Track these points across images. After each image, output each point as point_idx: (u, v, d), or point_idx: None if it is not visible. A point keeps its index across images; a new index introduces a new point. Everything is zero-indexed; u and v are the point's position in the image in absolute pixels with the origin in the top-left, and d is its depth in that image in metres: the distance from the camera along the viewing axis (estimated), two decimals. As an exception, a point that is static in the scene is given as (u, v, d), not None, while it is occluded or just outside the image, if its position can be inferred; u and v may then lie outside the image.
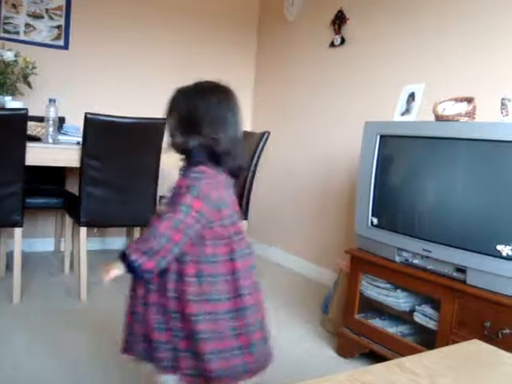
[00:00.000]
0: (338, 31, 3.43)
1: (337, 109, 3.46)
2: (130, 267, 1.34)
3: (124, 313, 1.48)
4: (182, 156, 1.46)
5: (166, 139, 1.52)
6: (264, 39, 4.37)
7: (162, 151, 2.88)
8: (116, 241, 4.00)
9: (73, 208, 2.93)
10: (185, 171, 1.43)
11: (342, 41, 3.40)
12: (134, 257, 1.32)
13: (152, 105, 3.87)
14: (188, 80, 4.30)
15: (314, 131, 3.68)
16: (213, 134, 1.38)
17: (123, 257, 1.34)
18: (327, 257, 3.42)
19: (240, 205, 3.49)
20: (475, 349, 1.22)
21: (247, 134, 3.86)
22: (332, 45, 3.49)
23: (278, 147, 3.99)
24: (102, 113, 2.70)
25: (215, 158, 1.39)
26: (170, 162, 3.01)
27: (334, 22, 3.45)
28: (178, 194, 1.37)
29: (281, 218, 4.01)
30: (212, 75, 4.80)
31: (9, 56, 3.01)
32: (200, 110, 1.41)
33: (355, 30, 3.32)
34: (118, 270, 1.36)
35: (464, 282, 1.84)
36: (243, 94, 4.98)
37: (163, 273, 1.37)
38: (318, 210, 3.60)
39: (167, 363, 1.41)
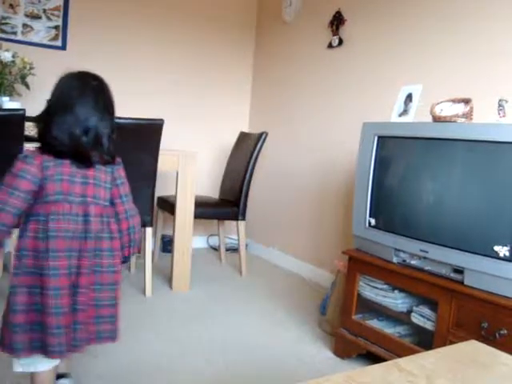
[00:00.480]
0: (335, 32, 3.43)
1: (334, 110, 3.47)
2: None
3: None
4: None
5: None
6: (262, 40, 4.38)
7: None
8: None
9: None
10: None
11: (340, 42, 3.40)
12: None
13: (150, 105, 3.90)
14: (186, 80, 4.33)
15: (312, 132, 3.68)
16: (46, 120, 1.52)
17: None
18: (325, 258, 3.42)
19: (237, 205, 3.50)
20: (472, 349, 1.22)
21: (245, 135, 3.87)
22: (330, 46, 3.49)
23: (276, 148, 3.99)
24: (99, 113, 2.69)
25: (44, 142, 1.51)
26: (168, 164, 3.03)
27: (331, 23, 3.46)
28: None
29: (278, 218, 4.02)
30: (210, 75, 4.79)
31: (6, 56, 3.01)
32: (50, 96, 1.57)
33: (353, 31, 3.33)
34: None
35: (461, 282, 1.84)
36: (240, 95, 4.91)
37: None
38: (316, 211, 3.60)
39: None
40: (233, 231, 3.95)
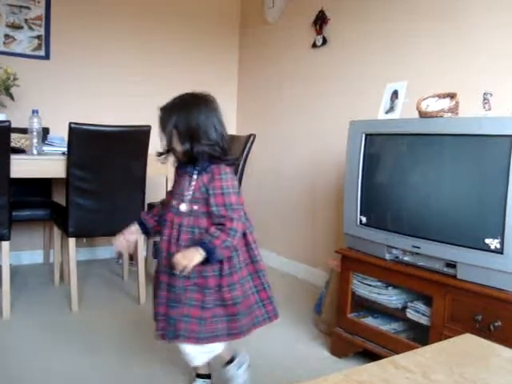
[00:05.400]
0: (319, 31, 3.44)
1: (321, 109, 3.48)
2: None
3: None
4: (183, 160, 1.75)
5: (163, 148, 1.82)
6: (246, 41, 4.38)
7: (156, 158, 2.87)
8: (105, 250, 3.97)
9: (60, 219, 2.91)
10: (200, 171, 1.72)
11: (324, 41, 3.41)
12: None
13: (136, 113, 3.87)
14: (172, 83, 4.34)
15: (299, 132, 3.68)
16: (208, 140, 1.66)
17: None
18: (318, 257, 3.42)
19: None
20: (468, 343, 1.23)
21: (233, 138, 3.85)
22: (314, 45, 3.50)
23: (264, 149, 3.99)
24: (86, 122, 2.68)
25: (216, 157, 1.69)
26: (156, 170, 3.01)
27: (315, 23, 3.46)
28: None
29: (270, 220, 4.01)
30: (195, 78, 4.77)
31: (-11, 68, 2.98)
32: (193, 122, 1.66)
33: (337, 30, 3.34)
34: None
35: (454, 276, 1.85)
36: (227, 98, 4.90)
37: None
38: (307, 211, 3.60)
39: None
40: (225, 234, 3.94)
